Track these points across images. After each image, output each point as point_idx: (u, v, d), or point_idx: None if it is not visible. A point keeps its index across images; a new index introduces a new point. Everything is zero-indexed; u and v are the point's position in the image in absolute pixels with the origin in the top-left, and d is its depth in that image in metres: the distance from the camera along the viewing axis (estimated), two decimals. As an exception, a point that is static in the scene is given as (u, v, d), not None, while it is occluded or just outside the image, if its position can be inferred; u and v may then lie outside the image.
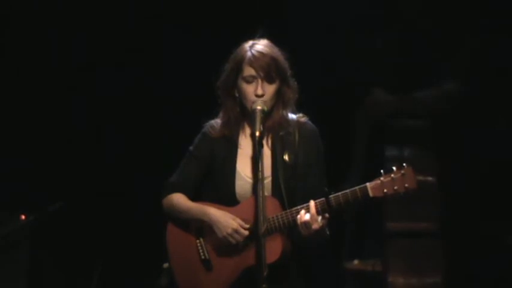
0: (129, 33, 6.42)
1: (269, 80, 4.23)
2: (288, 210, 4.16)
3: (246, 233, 4.19)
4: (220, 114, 4.39)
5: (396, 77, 6.30)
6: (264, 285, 3.95)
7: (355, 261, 6.27)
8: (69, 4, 6.39)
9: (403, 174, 4.01)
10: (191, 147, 4.42)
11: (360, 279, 6.28)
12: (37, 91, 6.43)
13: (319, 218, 4.08)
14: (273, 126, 4.30)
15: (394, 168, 4.02)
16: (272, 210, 4.16)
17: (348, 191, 4.05)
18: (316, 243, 4.20)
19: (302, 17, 6.35)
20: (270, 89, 4.24)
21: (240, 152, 4.35)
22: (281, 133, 4.31)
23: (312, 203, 4.09)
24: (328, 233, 4.19)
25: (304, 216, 4.09)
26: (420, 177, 5.75)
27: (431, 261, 5.98)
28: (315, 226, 4.08)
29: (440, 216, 6.03)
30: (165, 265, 4.41)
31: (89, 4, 6.43)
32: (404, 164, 4.03)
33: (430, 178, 6.00)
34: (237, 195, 4.30)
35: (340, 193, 4.06)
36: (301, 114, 4.36)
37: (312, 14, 6.35)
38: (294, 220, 4.13)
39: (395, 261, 6.00)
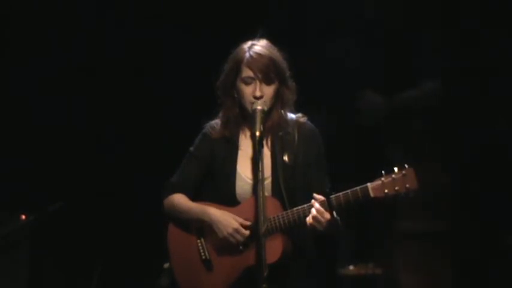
0: (129, 33, 6.42)
1: (267, 81, 4.23)
2: (289, 210, 4.16)
3: (247, 232, 4.19)
4: (220, 115, 4.39)
5: (383, 78, 6.32)
6: (264, 285, 3.95)
7: (351, 267, 6.27)
8: (69, 4, 6.39)
9: (404, 175, 4.01)
10: (191, 148, 4.42)
11: (358, 284, 6.29)
12: (37, 91, 6.42)
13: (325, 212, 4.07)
14: (272, 126, 4.30)
15: (395, 168, 4.03)
16: (272, 210, 4.16)
17: (348, 191, 4.05)
18: (333, 232, 4.16)
19: (302, 17, 6.37)
20: (269, 90, 4.23)
21: (240, 153, 4.35)
22: (280, 133, 4.31)
23: (315, 202, 4.08)
24: (340, 222, 4.15)
25: (311, 215, 4.08)
26: (425, 178, 5.79)
27: (440, 261, 6.00)
28: (326, 216, 4.05)
29: (447, 217, 6.05)
30: (166, 265, 4.41)
31: (89, 4, 6.43)
32: (405, 165, 4.03)
33: (434, 178, 6.01)
34: (237, 196, 4.30)
35: (341, 193, 4.06)
36: (300, 115, 4.36)
37: (311, 15, 6.36)
38: (295, 220, 4.13)
39: (406, 262, 6.02)
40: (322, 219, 4.06)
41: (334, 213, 4.04)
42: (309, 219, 4.09)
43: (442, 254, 6.03)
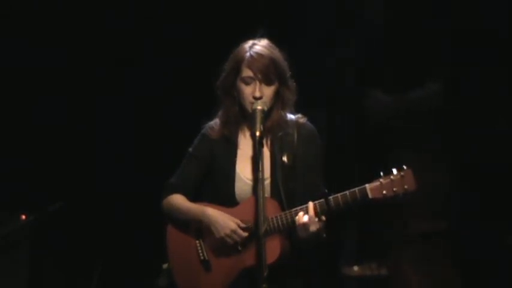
0: (129, 33, 6.42)
1: (267, 81, 4.22)
2: (287, 211, 4.15)
3: (244, 234, 4.19)
4: (219, 114, 4.39)
5: (390, 78, 6.31)
6: (264, 286, 3.95)
7: (355, 268, 6.26)
8: (69, 4, 6.39)
9: (402, 176, 4.01)
10: (190, 149, 4.42)
11: (362, 284, 6.29)
12: (37, 91, 6.42)
13: (317, 220, 4.08)
14: (272, 127, 4.29)
15: (393, 170, 4.03)
16: (271, 211, 4.16)
17: (347, 192, 4.05)
18: (312, 244, 4.19)
19: (300, 17, 6.37)
20: (268, 91, 4.23)
21: (239, 153, 4.35)
22: (280, 134, 4.31)
23: (310, 204, 4.09)
24: (324, 235, 4.18)
25: (302, 218, 4.09)
26: (427, 178, 5.80)
27: (441, 262, 6.00)
28: (313, 228, 4.08)
29: (447, 217, 6.05)
30: (165, 265, 4.41)
31: (89, 4, 6.43)
32: (404, 166, 4.03)
33: (436, 178, 6.02)
34: (237, 197, 4.29)
35: (339, 194, 4.06)
36: (300, 115, 4.36)
37: (309, 15, 6.36)
38: (293, 221, 4.13)
39: (407, 263, 6.02)
40: (309, 229, 4.07)
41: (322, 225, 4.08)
42: (297, 221, 4.09)
43: (443, 254, 6.03)
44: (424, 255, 6.07)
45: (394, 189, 4.01)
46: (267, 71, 4.20)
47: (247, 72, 4.23)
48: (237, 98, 4.30)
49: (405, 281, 6.09)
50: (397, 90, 6.30)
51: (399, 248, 6.09)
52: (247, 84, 4.23)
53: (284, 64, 4.28)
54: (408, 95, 6.28)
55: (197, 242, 4.32)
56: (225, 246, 4.24)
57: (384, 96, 6.33)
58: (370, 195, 4.03)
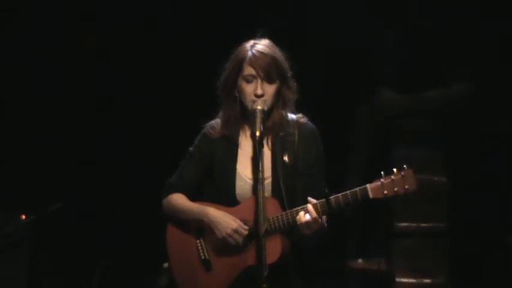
0: (129, 33, 6.42)
1: (269, 80, 4.22)
2: (288, 211, 4.15)
3: (246, 233, 4.19)
4: (220, 114, 4.38)
5: (406, 76, 6.31)
6: (264, 286, 3.95)
7: (360, 260, 6.26)
8: (70, 3, 6.40)
9: (403, 176, 4.01)
10: (191, 148, 4.42)
11: (364, 278, 6.28)
12: (36, 91, 6.42)
13: (319, 218, 4.08)
14: (272, 126, 4.29)
15: (394, 169, 4.03)
16: (272, 211, 4.16)
17: (348, 192, 4.05)
18: (315, 240, 4.19)
19: (306, 15, 6.37)
20: (270, 89, 4.23)
21: (240, 152, 4.34)
22: (281, 134, 4.31)
23: (310, 205, 4.08)
24: (327, 231, 4.17)
25: (304, 217, 4.09)
26: (429, 178, 5.80)
27: (437, 261, 6.00)
28: (314, 227, 4.08)
29: (447, 216, 6.05)
30: (165, 265, 4.41)
31: (90, 3, 6.43)
32: (404, 166, 4.03)
33: (439, 178, 6.01)
34: (237, 196, 4.29)
35: (340, 194, 4.06)
36: (301, 115, 4.36)
37: (316, 12, 6.36)
38: (294, 220, 4.13)
39: (402, 261, 6.02)
40: (312, 227, 4.07)
41: (324, 219, 4.08)
42: (299, 221, 4.09)
43: (441, 254, 6.03)
44: (422, 255, 6.07)
45: (395, 189, 4.00)
46: (269, 69, 4.21)
47: (249, 71, 4.23)
48: (238, 97, 4.29)
49: (399, 278, 6.09)
50: (412, 89, 6.30)
51: (396, 245, 6.09)
52: (249, 82, 4.23)
53: (285, 63, 4.28)
54: (425, 94, 6.27)
55: (198, 241, 4.32)
56: (226, 246, 4.23)
57: (393, 94, 6.33)
58: (371, 195, 4.02)
